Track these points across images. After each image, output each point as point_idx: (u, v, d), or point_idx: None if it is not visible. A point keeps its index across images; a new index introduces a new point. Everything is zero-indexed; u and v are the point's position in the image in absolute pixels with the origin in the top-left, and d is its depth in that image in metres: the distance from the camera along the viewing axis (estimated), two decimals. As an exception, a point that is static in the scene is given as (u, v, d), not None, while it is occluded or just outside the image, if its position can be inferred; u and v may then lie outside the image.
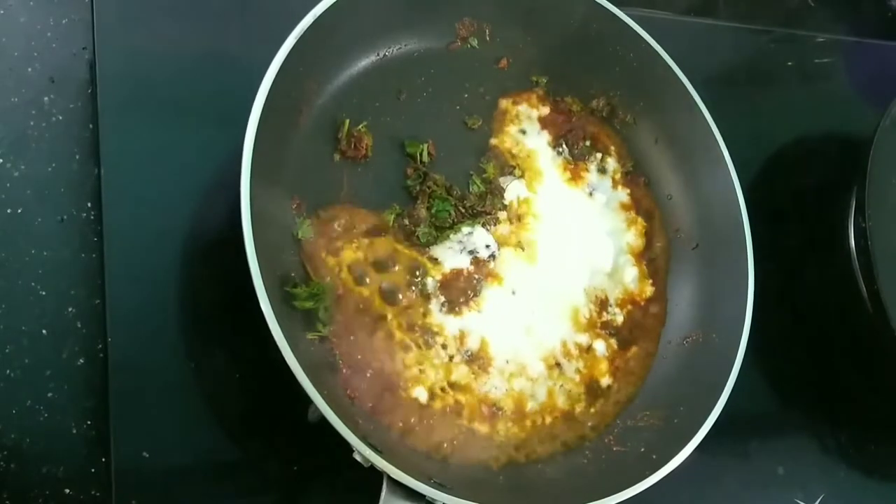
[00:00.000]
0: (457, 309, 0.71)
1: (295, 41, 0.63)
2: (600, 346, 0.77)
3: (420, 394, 0.67)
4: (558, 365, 0.74)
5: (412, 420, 0.66)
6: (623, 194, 0.84)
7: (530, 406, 0.72)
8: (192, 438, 0.64)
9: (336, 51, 0.72)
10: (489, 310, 0.73)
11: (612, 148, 0.85)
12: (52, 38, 0.71)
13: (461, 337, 0.71)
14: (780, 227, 0.89)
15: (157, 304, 0.65)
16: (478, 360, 0.71)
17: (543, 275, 0.77)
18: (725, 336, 0.75)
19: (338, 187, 0.71)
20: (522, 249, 0.77)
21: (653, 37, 0.80)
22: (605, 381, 0.76)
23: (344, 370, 0.64)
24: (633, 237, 0.83)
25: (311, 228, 0.68)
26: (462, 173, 0.77)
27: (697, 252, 0.82)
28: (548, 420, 0.72)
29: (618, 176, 0.85)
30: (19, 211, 0.65)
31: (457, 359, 0.70)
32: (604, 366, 0.76)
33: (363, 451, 0.55)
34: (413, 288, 0.71)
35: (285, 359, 0.55)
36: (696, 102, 0.80)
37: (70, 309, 0.64)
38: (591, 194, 0.83)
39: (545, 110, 0.84)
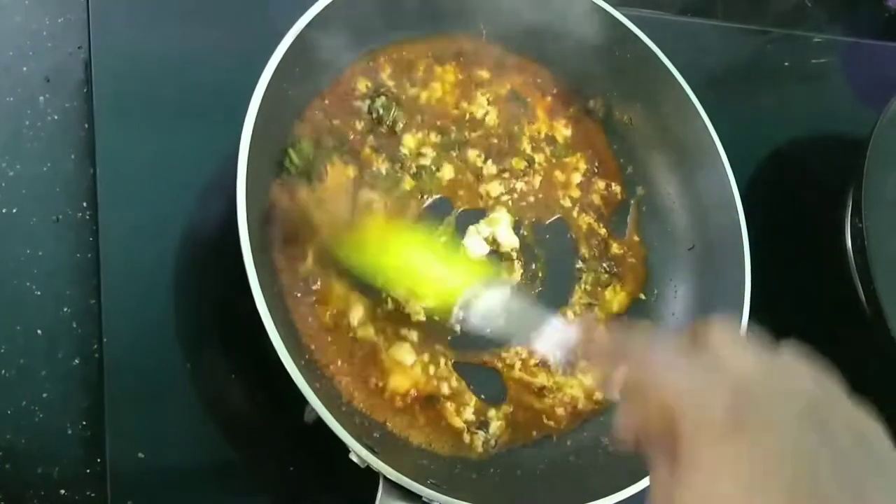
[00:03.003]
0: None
1: (292, 41, 0.63)
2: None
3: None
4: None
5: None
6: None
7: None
8: (187, 439, 0.63)
9: (333, 51, 0.71)
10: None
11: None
12: (48, 37, 0.70)
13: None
14: (776, 227, 0.89)
15: (152, 304, 0.65)
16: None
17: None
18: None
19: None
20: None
21: (650, 37, 0.80)
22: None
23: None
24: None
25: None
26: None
27: (693, 253, 0.82)
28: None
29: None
30: (14, 211, 0.65)
31: None
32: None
33: (359, 452, 0.55)
34: None
35: (282, 359, 0.55)
36: (692, 103, 0.80)
37: (65, 309, 0.63)
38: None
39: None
